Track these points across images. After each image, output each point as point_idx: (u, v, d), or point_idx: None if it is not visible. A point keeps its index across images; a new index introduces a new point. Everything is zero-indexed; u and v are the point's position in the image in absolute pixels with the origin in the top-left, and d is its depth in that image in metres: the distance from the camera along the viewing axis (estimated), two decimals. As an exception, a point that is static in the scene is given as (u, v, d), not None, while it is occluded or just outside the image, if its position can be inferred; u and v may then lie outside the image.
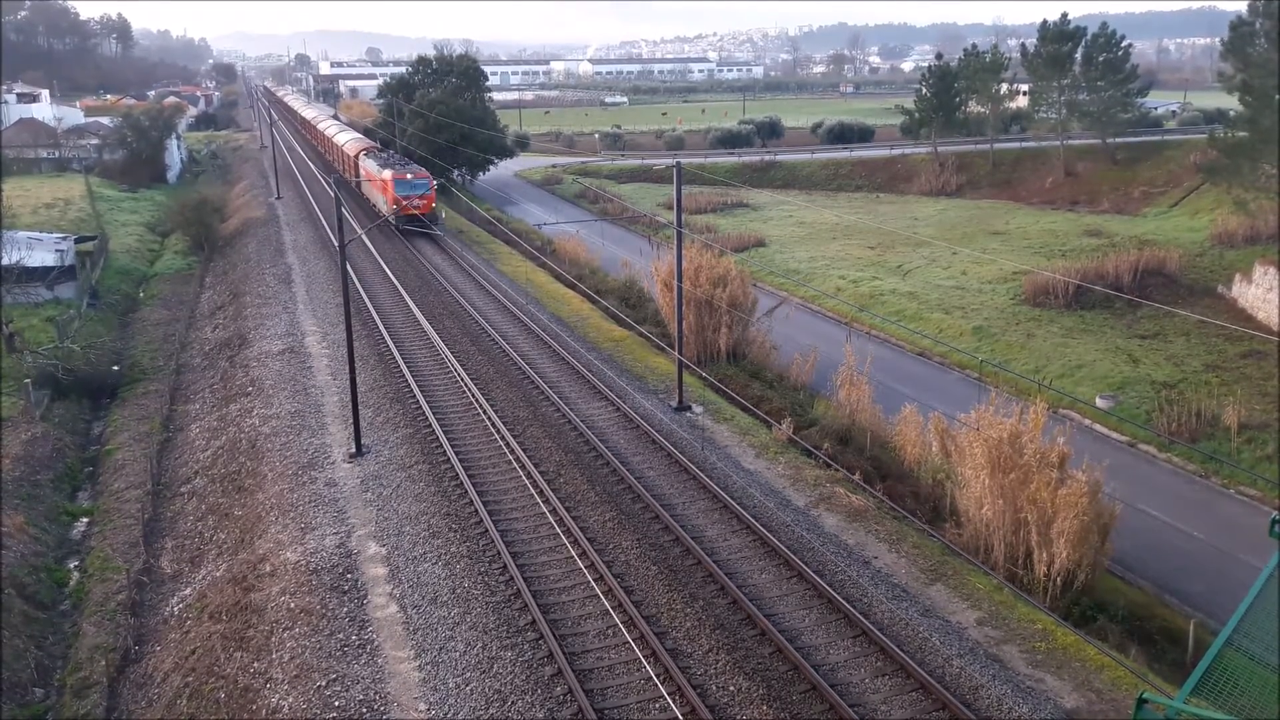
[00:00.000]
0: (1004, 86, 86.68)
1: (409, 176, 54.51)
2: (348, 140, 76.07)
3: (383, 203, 56.39)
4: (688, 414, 29.91)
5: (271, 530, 23.80)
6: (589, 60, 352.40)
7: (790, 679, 16.96)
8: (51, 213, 66.25)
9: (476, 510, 22.86)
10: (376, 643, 18.59)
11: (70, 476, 30.90)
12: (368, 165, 61.41)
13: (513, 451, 25.89)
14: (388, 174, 54.50)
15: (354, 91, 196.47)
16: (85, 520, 28.30)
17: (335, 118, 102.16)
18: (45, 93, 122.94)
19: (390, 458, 26.56)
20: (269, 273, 49.52)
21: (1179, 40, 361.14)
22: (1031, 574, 21.14)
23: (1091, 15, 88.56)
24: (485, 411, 28.54)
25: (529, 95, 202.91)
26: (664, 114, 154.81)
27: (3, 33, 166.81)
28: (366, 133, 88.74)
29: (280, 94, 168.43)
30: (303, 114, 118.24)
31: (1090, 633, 19.37)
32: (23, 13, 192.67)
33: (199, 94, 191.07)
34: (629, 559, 20.84)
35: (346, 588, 20.52)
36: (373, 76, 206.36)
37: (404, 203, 53.39)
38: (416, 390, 30.68)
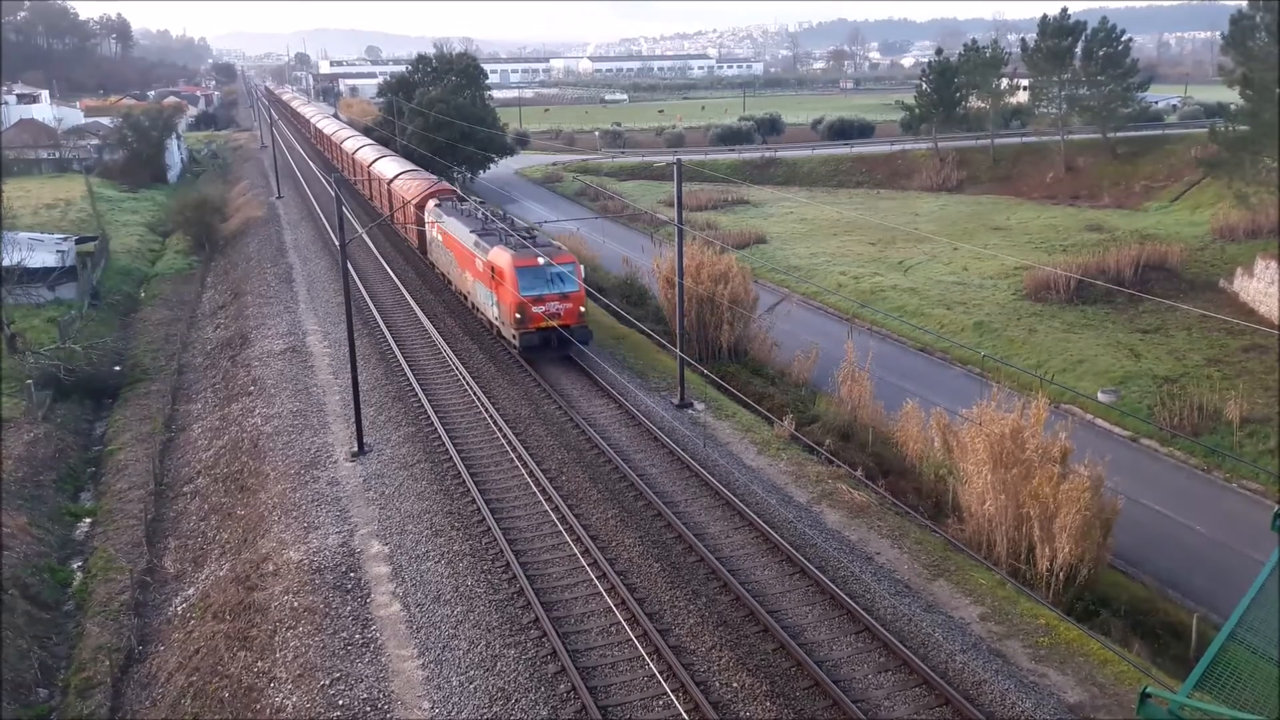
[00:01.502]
0: (1004, 82, 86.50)
1: (541, 261, 31.51)
2: (400, 175, 51.85)
3: (488, 301, 33.87)
4: (689, 411, 29.91)
5: (274, 529, 23.82)
6: (589, 58, 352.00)
7: (793, 675, 16.97)
8: (52, 213, 66.33)
9: (479, 508, 22.87)
10: (380, 641, 18.61)
11: (73, 477, 30.95)
12: (450, 227, 38.50)
13: (514, 449, 25.90)
14: (503, 256, 31.91)
15: (354, 90, 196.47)
16: (88, 521, 28.35)
17: (372, 144, 71.63)
18: (45, 93, 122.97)
19: (392, 456, 26.57)
20: (270, 272, 49.54)
21: (1179, 34, 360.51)
22: (1034, 569, 21.14)
23: (1092, 10, 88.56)
24: (487, 409, 28.56)
25: (529, 93, 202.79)
26: (660, 111, 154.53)
27: (2, 33, 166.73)
28: (366, 131, 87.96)
29: (285, 97, 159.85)
30: (317, 125, 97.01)
31: (1093, 628, 19.38)
32: (22, 13, 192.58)
33: (199, 94, 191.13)
34: (631, 556, 20.85)
35: (349, 586, 20.54)
36: (372, 75, 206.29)
37: (536, 309, 31.05)
38: (418, 388, 30.69)
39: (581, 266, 33.97)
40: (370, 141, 73.24)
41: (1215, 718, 8.98)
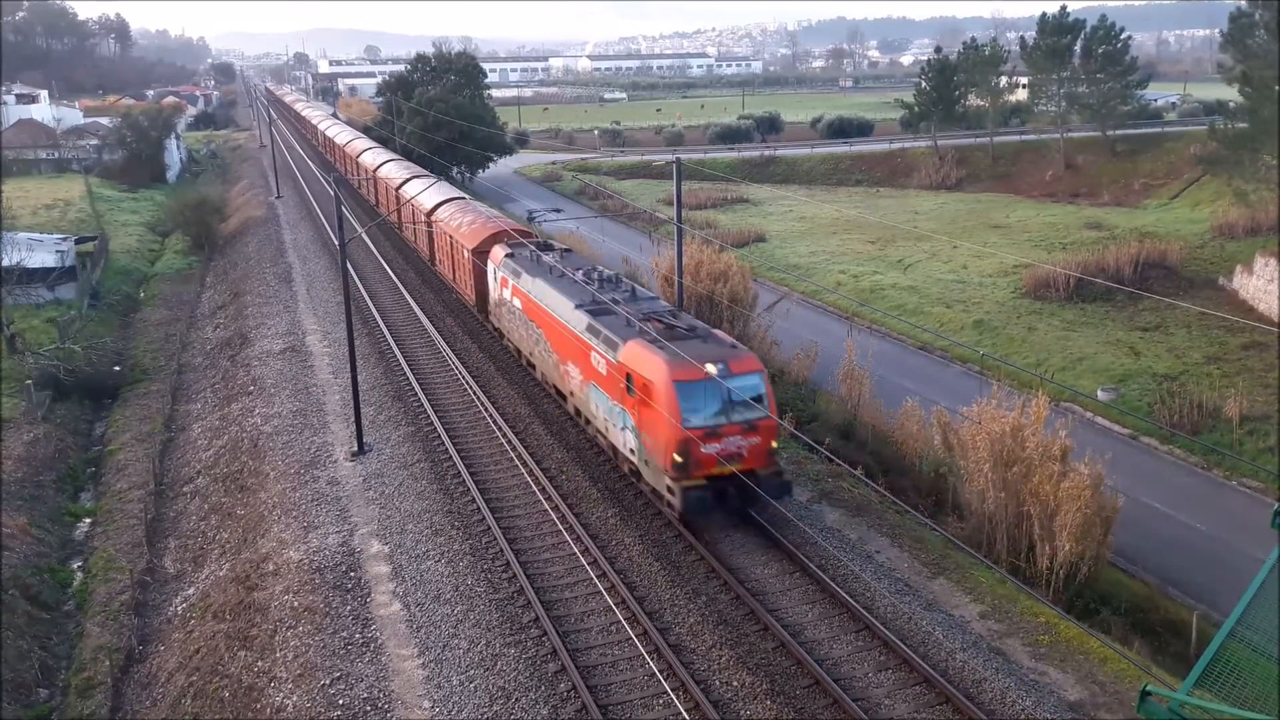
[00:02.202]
0: (1003, 80, 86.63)
1: (713, 371, 20.32)
2: (443, 206, 41.11)
3: (615, 421, 22.88)
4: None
5: (274, 529, 23.82)
6: (588, 57, 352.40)
7: (794, 674, 16.97)
8: (51, 213, 66.34)
9: (479, 508, 22.87)
10: (380, 641, 18.61)
11: (73, 477, 30.95)
12: (536, 292, 27.88)
13: (514, 449, 25.89)
14: (651, 363, 20.86)
15: (353, 90, 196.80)
16: (88, 521, 28.36)
17: (396, 159, 59.44)
18: (44, 93, 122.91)
19: (392, 456, 26.57)
20: (269, 272, 49.52)
21: (1178, 32, 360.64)
22: (1034, 567, 21.15)
23: (1091, 8, 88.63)
24: (486, 409, 28.55)
25: (528, 92, 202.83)
26: (658, 110, 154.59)
27: (2, 33, 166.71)
28: (366, 131, 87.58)
29: (289, 99, 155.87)
30: (326, 132, 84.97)
31: (1093, 625, 19.39)
32: (21, 13, 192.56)
33: (198, 93, 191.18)
34: (631, 555, 20.85)
35: (349, 586, 20.54)
36: (371, 75, 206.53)
37: (708, 449, 20.34)
38: (417, 388, 30.69)
39: (765, 370, 21.68)
40: (394, 155, 61.71)
41: (1216, 715, 8.99)
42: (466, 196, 44.76)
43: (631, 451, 22.33)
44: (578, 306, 24.83)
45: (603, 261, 46.78)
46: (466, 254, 35.52)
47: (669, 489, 20.60)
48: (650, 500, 22.36)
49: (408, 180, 49.62)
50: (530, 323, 28.99)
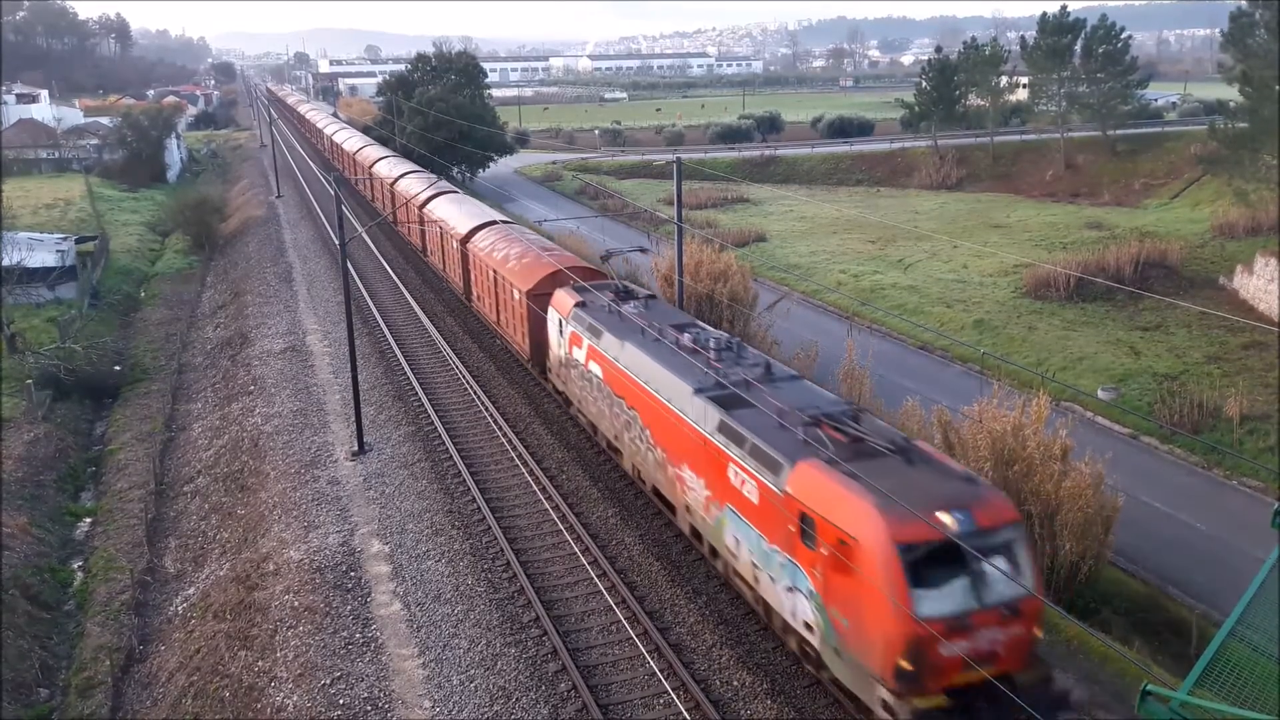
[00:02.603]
0: (1004, 79, 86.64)
1: (954, 524, 13.33)
2: (481, 232, 35.55)
3: (776, 577, 15.89)
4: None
5: (274, 529, 23.83)
6: (588, 56, 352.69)
7: (793, 673, 16.96)
8: (52, 213, 66.38)
9: (479, 507, 22.87)
10: (380, 640, 18.62)
11: (73, 477, 30.97)
12: (626, 361, 21.53)
13: (515, 448, 25.90)
14: (857, 510, 13.68)
15: (353, 89, 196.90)
16: (88, 520, 28.38)
17: (419, 172, 53.24)
18: (44, 93, 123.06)
19: (393, 455, 26.58)
20: (270, 271, 49.54)
21: (1179, 31, 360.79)
22: (1034, 567, 21.12)
23: (1091, 7, 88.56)
24: (487, 408, 28.55)
25: (528, 92, 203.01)
26: (658, 110, 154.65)
27: (2, 33, 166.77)
28: (366, 130, 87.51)
29: (291, 101, 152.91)
30: (335, 140, 77.31)
31: (1093, 625, 19.37)
32: (21, 13, 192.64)
33: (198, 93, 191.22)
34: (632, 555, 20.85)
35: (350, 586, 20.55)
36: (372, 74, 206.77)
37: (952, 647, 13.00)
38: (418, 387, 30.69)
39: (1022, 518, 14.96)
40: (413, 166, 55.17)
41: (1216, 715, 9.00)
42: (507, 219, 38.77)
43: (807, 626, 15.32)
44: (698, 392, 18.32)
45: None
46: (518, 295, 29.43)
47: (886, 705, 13.60)
48: (832, 692, 15.74)
49: (434, 198, 43.02)
50: (617, 400, 22.38)
